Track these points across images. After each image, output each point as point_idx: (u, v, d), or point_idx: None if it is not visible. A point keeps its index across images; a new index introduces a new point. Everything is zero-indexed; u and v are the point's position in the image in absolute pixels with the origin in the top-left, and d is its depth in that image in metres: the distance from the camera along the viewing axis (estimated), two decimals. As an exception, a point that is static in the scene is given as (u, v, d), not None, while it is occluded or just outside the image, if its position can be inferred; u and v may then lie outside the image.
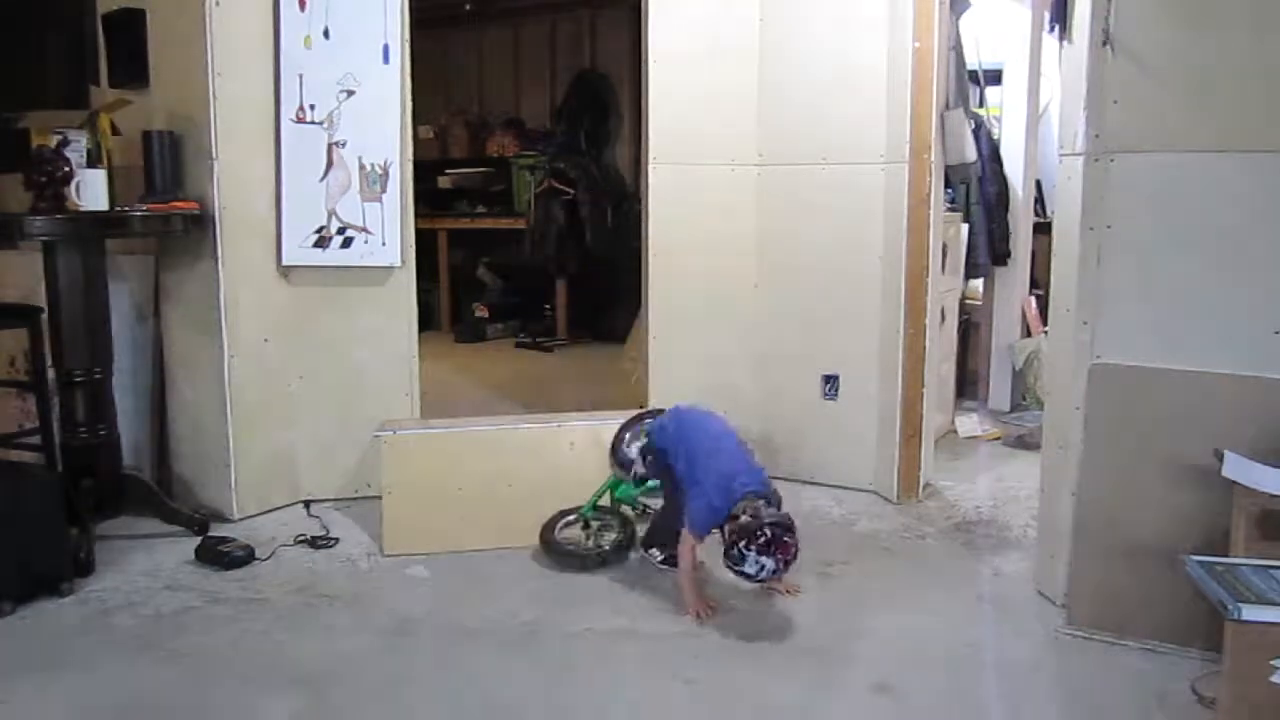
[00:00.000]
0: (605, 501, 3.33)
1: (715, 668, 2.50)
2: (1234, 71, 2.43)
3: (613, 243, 7.02)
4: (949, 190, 4.52)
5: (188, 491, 3.57)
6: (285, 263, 3.53)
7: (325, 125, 3.50)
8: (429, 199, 7.36)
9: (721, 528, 2.68)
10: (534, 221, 7.20)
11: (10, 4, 3.43)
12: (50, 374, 3.22)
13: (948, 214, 4.36)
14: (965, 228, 4.86)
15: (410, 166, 3.64)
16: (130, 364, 3.63)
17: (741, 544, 2.56)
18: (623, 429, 3.26)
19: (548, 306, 7.44)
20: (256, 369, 3.51)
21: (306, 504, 3.63)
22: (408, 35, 3.57)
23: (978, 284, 5.21)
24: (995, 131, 5.07)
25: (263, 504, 3.56)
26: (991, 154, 4.94)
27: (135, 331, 3.65)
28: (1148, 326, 2.57)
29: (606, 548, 3.17)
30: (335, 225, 3.54)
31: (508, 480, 3.43)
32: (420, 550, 3.20)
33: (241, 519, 3.47)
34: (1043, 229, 5.01)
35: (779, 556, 2.57)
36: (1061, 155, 2.80)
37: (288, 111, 3.46)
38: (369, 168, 3.55)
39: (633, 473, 3.16)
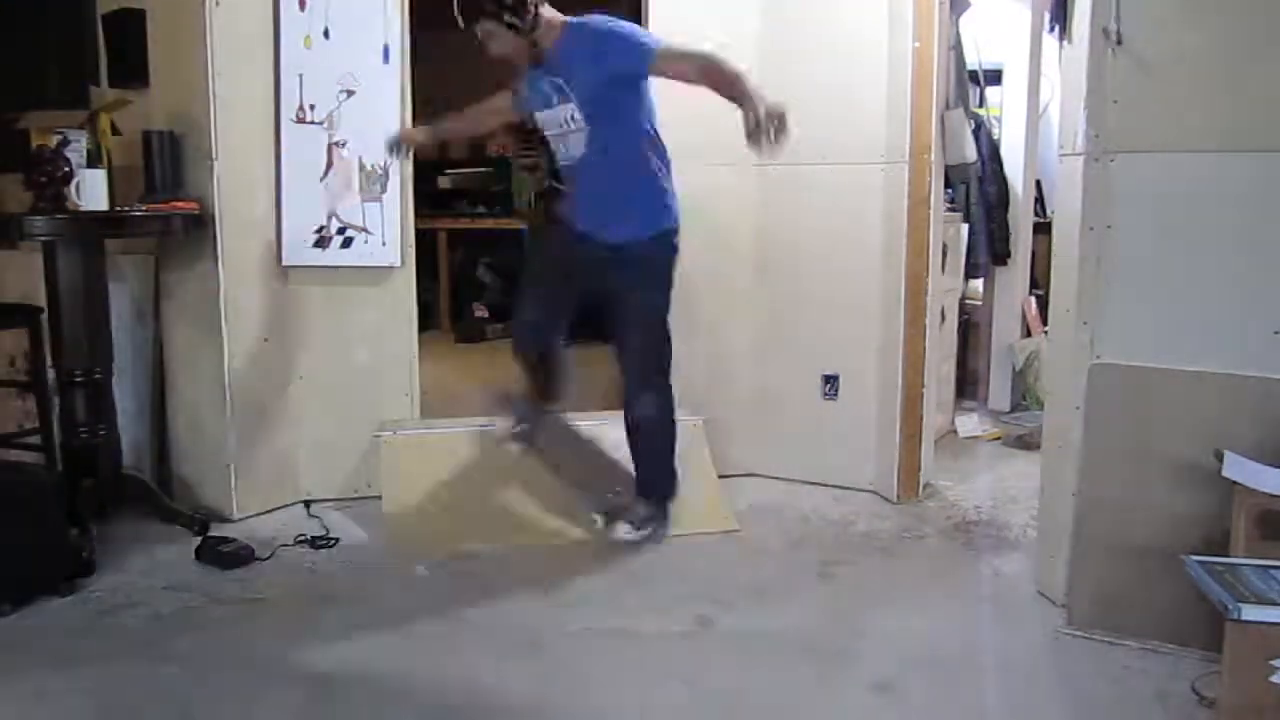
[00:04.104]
0: None
1: (715, 668, 2.50)
2: (1234, 71, 2.43)
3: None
4: (949, 190, 4.52)
5: (188, 491, 3.57)
6: (285, 263, 3.53)
7: (325, 125, 3.50)
8: (429, 199, 7.35)
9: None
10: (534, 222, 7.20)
11: (10, 4, 3.43)
12: (50, 374, 3.23)
13: (948, 214, 4.36)
14: (965, 228, 4.86)
15: (410, 166, 3.64)
16: (130, 364, 3.63)
17: None
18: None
19: (548, 307, 7.42)
20: (256, 369, 3.51)
21: (306, 504, 3.63)
22: (408, 35, 3.57)
23: (978, 284, 5.22)
24: (995, 131, 5.08)
25: (263, 504, 3.55)
26: (991, 154, 4.95)
27: (135, 331, 3.65)
28: (1148, 326, 2.57)
29: None
30: (335, 225, 3.54)
31: (507, 480, 3.44)
32: (420, 550, 3.20)
33: (241, 519, 3.46)
34: (1043, 229, 5.01)
35: None
36: (1061, 155, 2.80)
37: (288, 111, 3.46)
38: (369, 168, 3.55)
39: None
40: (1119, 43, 2.50)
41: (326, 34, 3.46)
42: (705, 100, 3.83)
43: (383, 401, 3.68)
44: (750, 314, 3.93)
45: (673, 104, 3.79)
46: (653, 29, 3.77)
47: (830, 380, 3.83)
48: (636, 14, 3.95)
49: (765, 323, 3.92)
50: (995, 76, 5.10)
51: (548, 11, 2.95)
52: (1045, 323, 4.06)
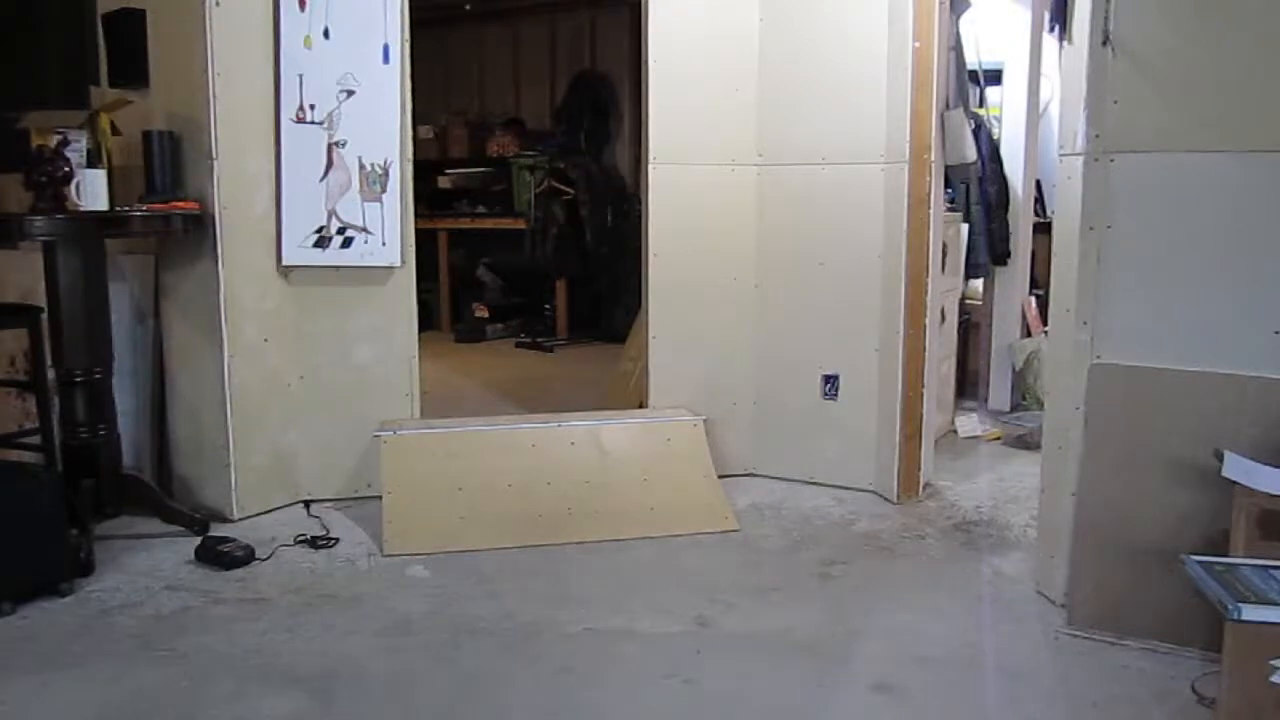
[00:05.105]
0: None
1: (715, 668, 2.50)
2: (1233, 71, 2.43)
3: (613, 243, 7.02)
4: (949, 190, 4.52)
5: (188, 491, 3.57)
6: (285, 263, 3.53)
7: (325, 125, 3.50)
8: (429, 199, 7.36)
9: None
10: (534, 221, 7.21)
11: (10, 4, 3.42)
12: (50, 374, 3.22)
13: (948, 214, 4.36)
14: (965, 228, 4.86)
15: (410, 166, 3.64)
16: (130, 364, 3.63)
17: None
18: None
19: (548, 306, 7.45)
20: (256, 369, 3.51)
21: (306, 504, 3.63)
22: (408, 35, 3.57)
23: (978, 284, 5.22)
24: (995, 131, 5.08)
25: (263, 504, 3.55)
26: (991, 154, 4.95)
27: (135, 331, 3.65)
28: (1148, 326, 2.57)
29: None
30: (335, 225, 3.54)
31: (508, 480, 3.44)
32: (420, 550, 3.20)
33: (241, 519, 3.47)
34: (1043, 229, 5.01)
35: None
36: (1061, 155, 2.80)
37: (288, 111, 3.46)
38: (369, 168, 3.55)
39: None
40: (1104, 43, 2.50)
41: (326, 34, 3.47)
42: (706, 101, 3.86)
43: (383, 401, 3.68)
44: (750, 314, 3.93)
45: (673, 104, 3.82)
46: (653, 30, 3.78)
47: (830, 380, 3.83)
48: (637, 14, 3.96)
49: (765, 322, 3.92)
50: (995, 76, 5.11)
51: None
52: (1045, 323, 4.06)
